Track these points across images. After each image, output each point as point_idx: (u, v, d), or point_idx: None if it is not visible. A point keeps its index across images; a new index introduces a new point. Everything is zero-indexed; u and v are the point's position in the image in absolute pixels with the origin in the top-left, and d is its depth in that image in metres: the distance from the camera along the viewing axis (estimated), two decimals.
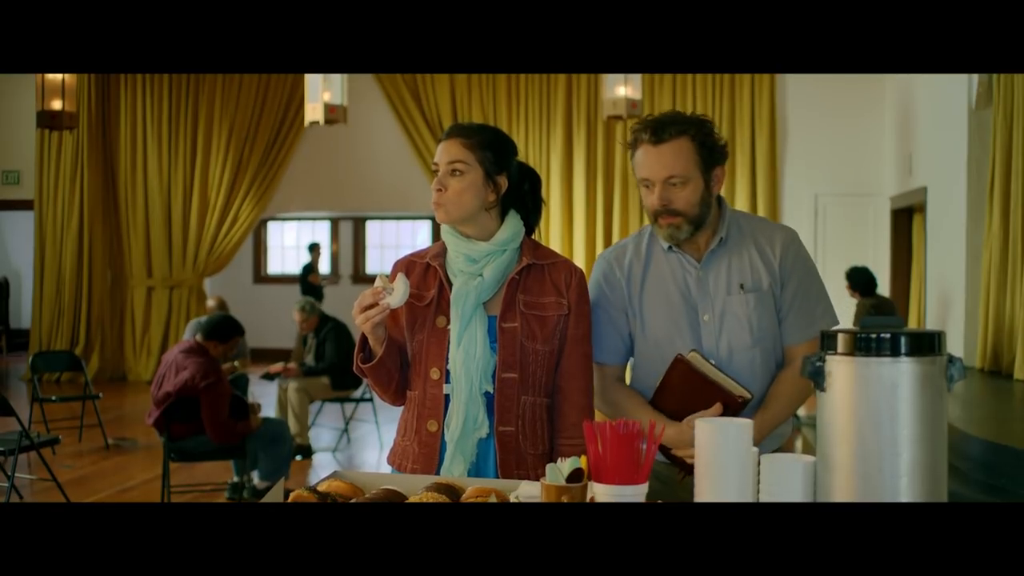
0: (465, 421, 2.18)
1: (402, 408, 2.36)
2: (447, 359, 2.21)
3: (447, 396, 2.22)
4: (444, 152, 2.24)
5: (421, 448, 2.24)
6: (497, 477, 2.21)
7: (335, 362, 7.52)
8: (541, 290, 2.26)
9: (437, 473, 2.20)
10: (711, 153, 2.30)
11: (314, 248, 13.04)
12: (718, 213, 2.37)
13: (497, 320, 2.22)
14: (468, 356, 2.18)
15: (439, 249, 2.32)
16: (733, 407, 2.21)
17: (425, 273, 2.29)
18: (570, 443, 2.22)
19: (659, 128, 2.28)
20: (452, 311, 2.21)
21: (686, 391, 2.26)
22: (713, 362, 2.27)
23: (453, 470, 2.18)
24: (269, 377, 7.80)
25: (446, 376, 2.21)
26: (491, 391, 2.20)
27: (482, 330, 2.20)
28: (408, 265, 2.31)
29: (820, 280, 2.39)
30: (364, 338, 2.21)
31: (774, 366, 2.35)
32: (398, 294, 2.10)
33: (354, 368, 2.25)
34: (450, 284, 2.25)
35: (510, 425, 2.21)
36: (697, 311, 2.34)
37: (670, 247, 2.37)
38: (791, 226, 2.49)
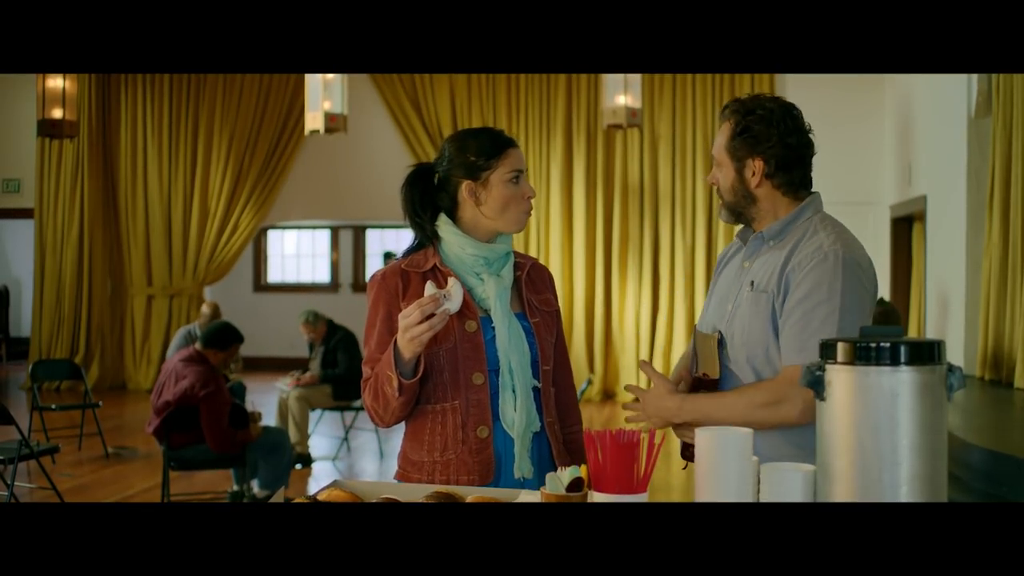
0: (528, 416, 2.21)
1: (411, 427, 2.28)
2: (487, 362, 2.22)
3: (492, 399, 2.22)
4: (521, 160, 2.28)
5: (475, 457, 2.20)
6: (555, 468, 2.22)
7: (349, 367, 7.55)
8: (538, 288, 2.36)
9: (501, 478, 2.20)
10: (748, 142, 2.22)
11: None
12: (787, 208, 2.26)
13: (527, 316, 2.29)
14: (521, 353, 2.23)
15: (433, 257, 2.28)
16: (690, 382, 2.29)
17: (424, 282, 2.23)
18: (577, 428, 2.43)
19: (724, 108, 2.31)
20: (495, 312, 2.22)
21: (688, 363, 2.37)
22: (724, 348, 2.25)
23: (523, 468, 2.21)
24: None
25: (489, 379, 2.22)
26: (538, 385, 2.27)
27: (521, 327, 2.26)
28: (401, 275, 2.26)
29: (836, 313, 2.09)
30: (395, 356, 2.10)
31: (769, 379, 2.17)
32: (457, 299, 2.07)
33: (393, 388, 2.12)
34: (467, 289, 2.24)
35: (550, 416, 2.31)
36: (728, 300, 2.32)
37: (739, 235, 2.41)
38: None
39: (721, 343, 2.26)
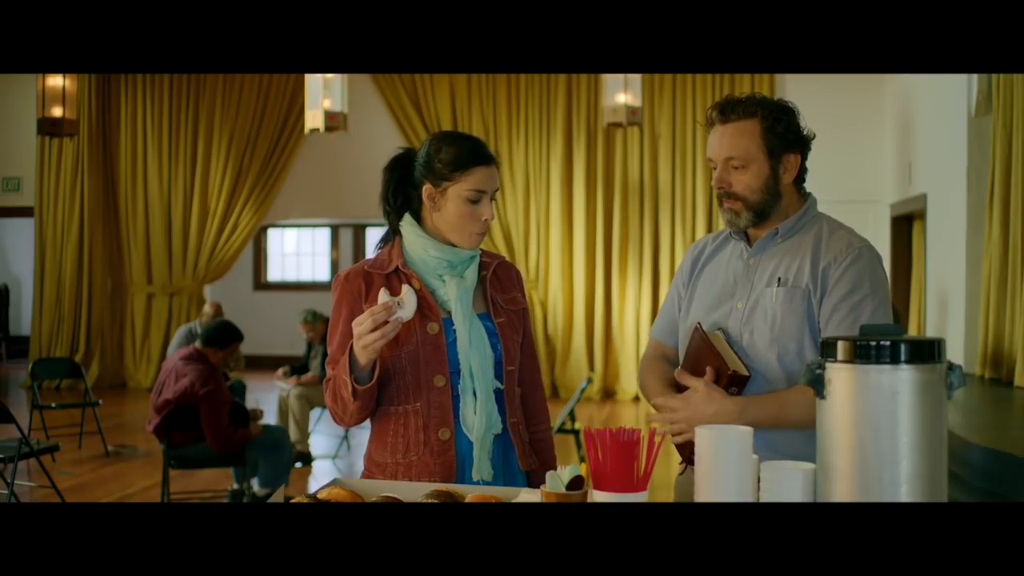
0: (488, 419, 2.20)
1: (374, 429, 2.28)
2: (449, 364, 2.21)
3: (454, 401, 2.21)
4: (494, 180, 2.25)
5: (436, 459, 2.20)
6: (519, 469, 2.28)
7: None
8: (505, 287, 2.34)
9: (464, 481, 2.20)
10: (782, 138, 2.21)
11: None
12: (797, 206, 2.28)
13: (491, 317, 2.27)
14: (482, 356, 2.21)
15: (397, 258, 2.27)
16: (724, 381, 2.16)
17: (387, 284, 2.23)
18: (544, 427, 2.42)
19: (727, 107, 2.24)
20: (455, 314, 2.21)
21: (696, 362, 2.25)
22: (735, 348, 2.23)
23: (482, 471, 2.20)
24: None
25: (451, 381, 2.21)
26: (500, 387, 2.24)
27: (483, 329, 2.23)
28: (364, 276, 2.25)
29: (881, 305, 2.16)
30: (351, 361, 2.12)
31: (798, 375, 2.15)
32: (410, 307, 2.07)
33: (348, 392, 2.13)
34: (429, 291, 2.24)
35: (514, 416, 2.29)
36: (734, 298, 2.27)
37: (731, 233, 2.33)
38: None
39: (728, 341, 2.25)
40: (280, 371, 8.04)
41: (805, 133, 2.26)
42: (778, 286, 2.21)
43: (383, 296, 2.06)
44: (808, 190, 2.34)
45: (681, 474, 2.35)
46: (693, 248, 2.45)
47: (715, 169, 2.27)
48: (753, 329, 2.22)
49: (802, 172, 2.28)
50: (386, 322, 2.03)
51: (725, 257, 2.36)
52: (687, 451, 2.24)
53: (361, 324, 2.04)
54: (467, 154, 2.22)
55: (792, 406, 2.13)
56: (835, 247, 2.20)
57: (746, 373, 2.18)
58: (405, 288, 2.10)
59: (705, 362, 2.21)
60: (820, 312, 2.17)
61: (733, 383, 2.17)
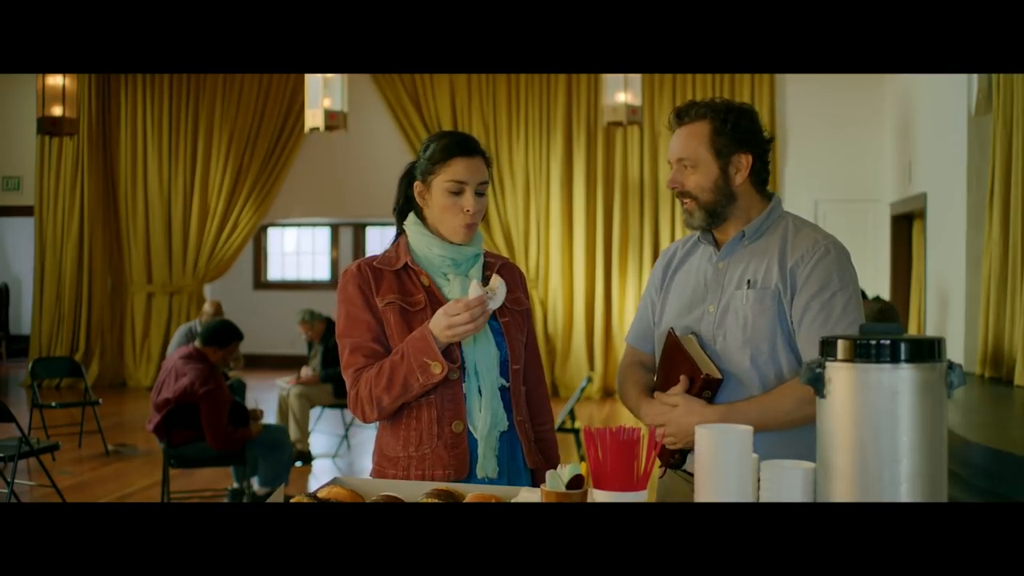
0: (493, 416, 2.22)
1: (387, 423, 2.29)
2: (462, 358, 2.23)
3: (465, 395, 2.24)
4: (477, 172, 2.27)
5: (450, 452, 2.22)
6: (525, 467, 2.30)
7: None
8: (508, 287, 2.34)
9: (472, 475, 2.21)
10: (731, 139, 2.24)
11: None
12: (759, 207, 2.30)
13: (496, 316, 2.29)
14: (488, 354, 2.24)
15: (405, 256, 2.31)
16: (697, 384, 2.18)
17: (397, 280, 2.28)
18: (547, 426, 2.44)
19: (682, 111, 2.30)
20: None
21: (670, 367, 2.27)
22: (708, 351, 2.25)
23: (487, 468, 2.21)
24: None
25: (463, 375, 2.23)
26: (506, 385, 2.27)
27: (489, 328, 2.26)
28: (373, 271, 2.28)
29: (852, 300, 2.18)
30: (431, 349, 2.14)
31: (772, 377, 2.21)
32: (501, 296, 2.16)
33: (432, 374, 2.14)
34: (437, 287, 2.28)
35: (520, 415, 2.31)
36: (706, 302, 2.30)
37: (699, 237, 2.37)
38: None
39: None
40: (305, 370, 7.93)
41: (762, 135, 2.29)
42: (748, 288, 2.24)
43: (476, 290, 2.12)
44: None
45: (662, 477, 2.36)
46: (664, 254, 2.49)
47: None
48: (726, 332, 2.24)
49: (760, 173, 2.30)
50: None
51: (695, 262, 2.39)
52: (666, 455, 2.27)
53: (456, 315, 2.09)
54: (446, 146, 2.27)
55: (770, 410, 2.16)
56: (801, 246, 2.23)
57: (719, 376, 2.20)
58: (497, 277, 2.17)
59: (678, 367, 2.24)
60: (791, 312, 2.20)
61: (706, 387, 2.19)
